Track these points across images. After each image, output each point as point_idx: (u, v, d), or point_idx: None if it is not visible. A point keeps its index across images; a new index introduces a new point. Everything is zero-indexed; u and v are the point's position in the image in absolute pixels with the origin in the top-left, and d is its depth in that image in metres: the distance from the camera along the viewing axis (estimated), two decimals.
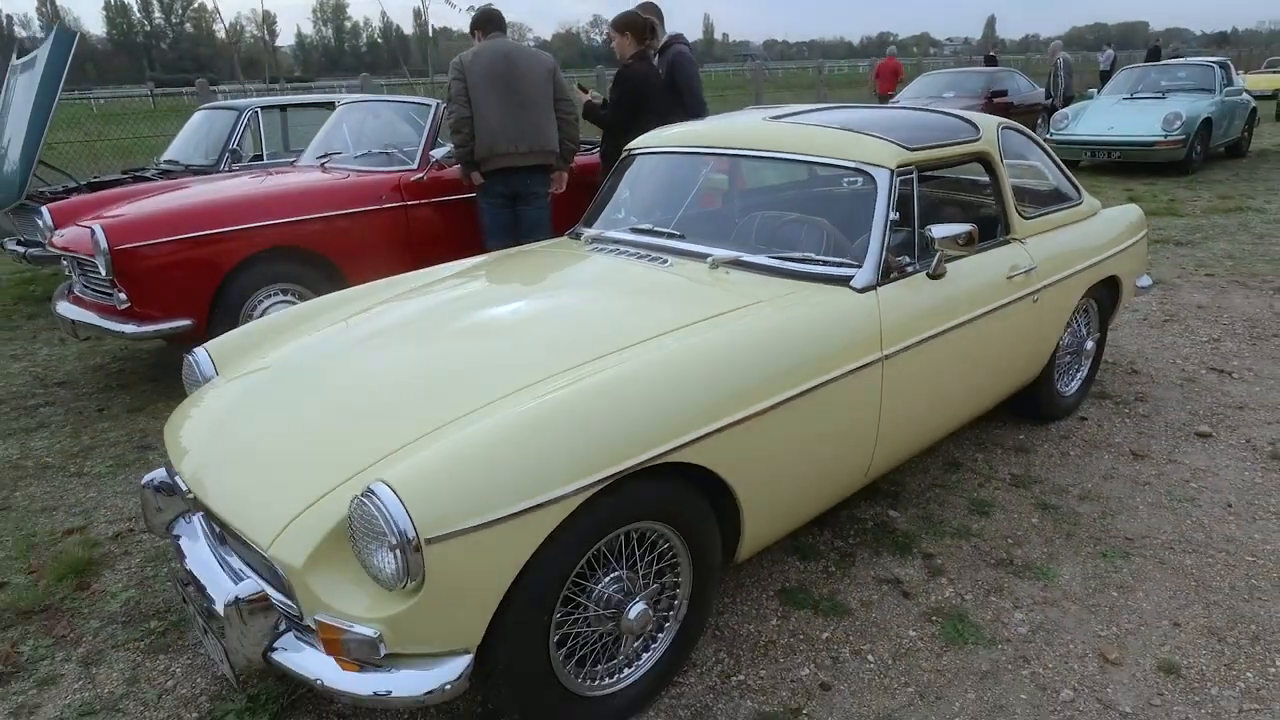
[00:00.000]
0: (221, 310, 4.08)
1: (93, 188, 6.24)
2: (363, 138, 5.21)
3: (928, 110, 3.39)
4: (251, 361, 2.39)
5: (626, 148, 3.34)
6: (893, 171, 2.50)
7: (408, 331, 2.39)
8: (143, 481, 2.25)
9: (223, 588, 1.92)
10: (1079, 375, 3.60)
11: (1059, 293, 3.09)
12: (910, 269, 2.52)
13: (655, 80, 4.79)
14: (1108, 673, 2.13)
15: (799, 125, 2.82)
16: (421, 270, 3.01)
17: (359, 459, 1.76)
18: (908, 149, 2.59)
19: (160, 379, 4.58)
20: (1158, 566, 2.55)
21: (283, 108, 7.22)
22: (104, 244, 3.76)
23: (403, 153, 4.85)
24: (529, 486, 1.64)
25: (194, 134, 7.18)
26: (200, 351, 2.49)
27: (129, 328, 3.92)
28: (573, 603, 1.84)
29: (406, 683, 1.62)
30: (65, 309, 4.31)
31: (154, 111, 19.58)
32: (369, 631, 1.60)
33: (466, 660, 1.65)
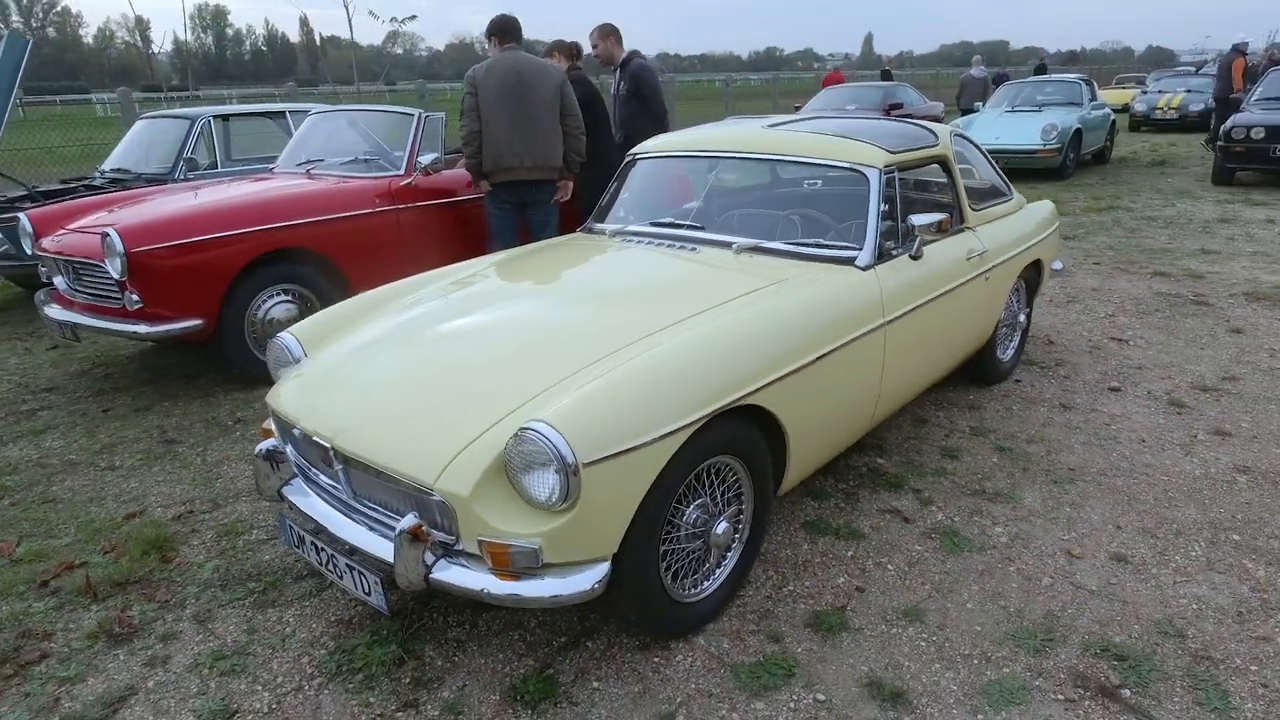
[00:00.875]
0: (230, 310, 4.22)
1: (44, 196, 6.14)
2: (341, 146, 5.38)
3: (894, 120, 3.91)
4: (350, 336, 2.65)
5: (630, 153, 3.72)
6: (881, 170, 2.99)
7: (499, 304, 2.71)
8: (256, 452, 2.48)
9: (355, 532, 2.22)
10: (1013, 344, 4.21)
11: (1002, 273, 3.67)
12: (895, 252, 3.01)
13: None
14: (1074, 564, 2.66)
15: (796, 133, 3.28)
16: (466, 262, 3.31)
17: (503, 405, 2.08)
18: (890, 152, 3.09)
19: (156, 380, 4.65)
20: (1097, 488, 3.13)
21: (226, 117, 7.22)
22: (119, 247, 3.86)
23: (387, 160, 5.07)
24: (654, 421, 2.02)
25: (139, 143, 7.10)
26: (288, 336, 2.72)
27: (141, 328, 4.02)
28: (670, 524, 2.22)
29: (565, 585, 1.96)
30: (57, 313, 4.34)
31: (23, 122, 18.37)
32: (532, 544, 1.93)
33: (606, 565, 2.00)
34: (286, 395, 2.48)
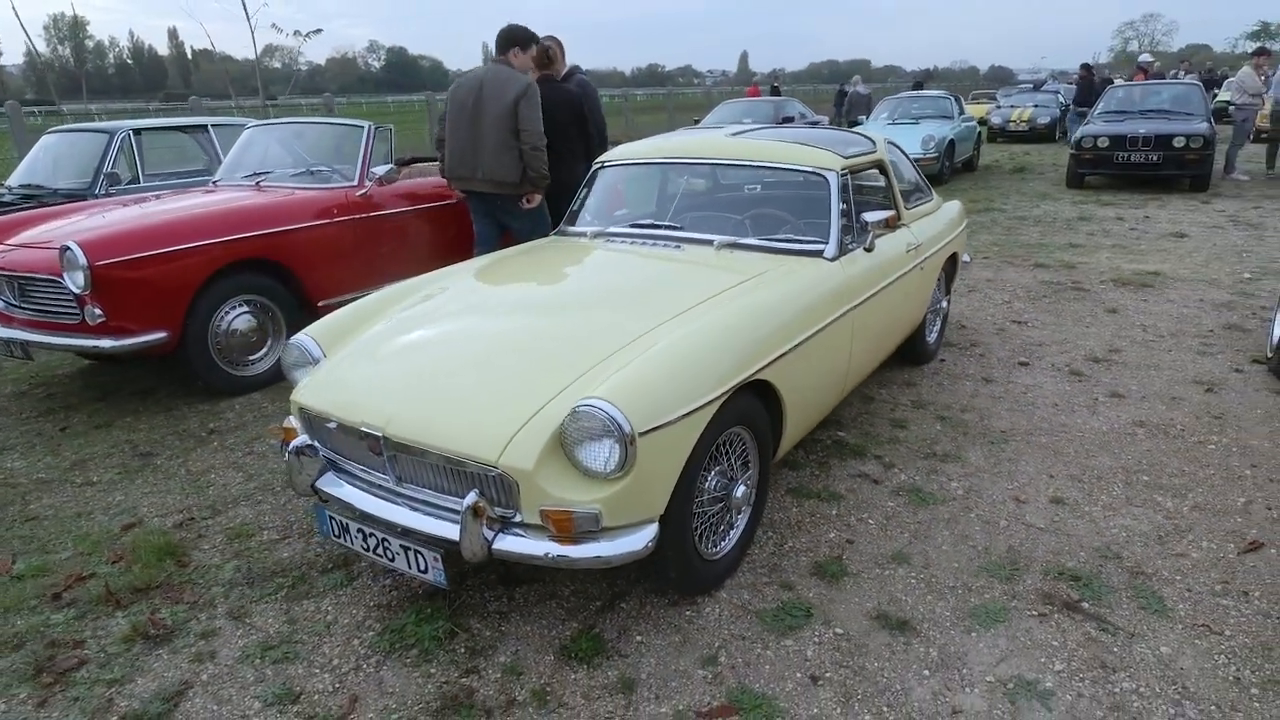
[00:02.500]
0: (194, 322, 4.12)
1: None
2: (287, 158, 5.30)
3: (835, 130, 4.25)
4: (368, 335, 2.72)
5: (598, 161, 3.89)
6: (838, 173, 3.30)
7: (515, 298, 2.84)
8: (290, 448, 2.51)
9: (403, 514, 2.31)
10: (936, 328, 4.63)
11: (932, 263, 4.07)
12: (851, 246, 3.31)
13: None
14: (1022, 508, 3.03)
15: (758, 140, 3.55)
16: (467, 263, 3.42)
17: (550, 386, 2.22)
18: (844, 157, 3.40)
19: (108, 397, 4.46)
20: (1027, 446, 3.53)
21: (138, 131, 6.89)
22: (82, 260, 3.71)
23: (336, 171, 5.03)
24: (690, 396, 2.21)
25: (50, 157, 6.71)
26: (304, 338, 2.75)
27: (104, 342, 3.88)
28: (698, 489, 2.42)
29: (621, 545, 2.12)
30: (2, 332, 4.11)
31: None
32: (593, 510, 2.09)
33: (655, 526, 2.18)
34: (320, 393, 2.52)
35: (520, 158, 4.38)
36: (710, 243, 3.20)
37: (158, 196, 4.96)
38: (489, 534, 2.14)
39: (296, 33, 18.23)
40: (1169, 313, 5.41)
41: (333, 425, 2.50)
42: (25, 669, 2.32)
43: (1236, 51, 62.78)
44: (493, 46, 4.63)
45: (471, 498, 2.12)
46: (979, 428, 3.73)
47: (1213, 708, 2.06)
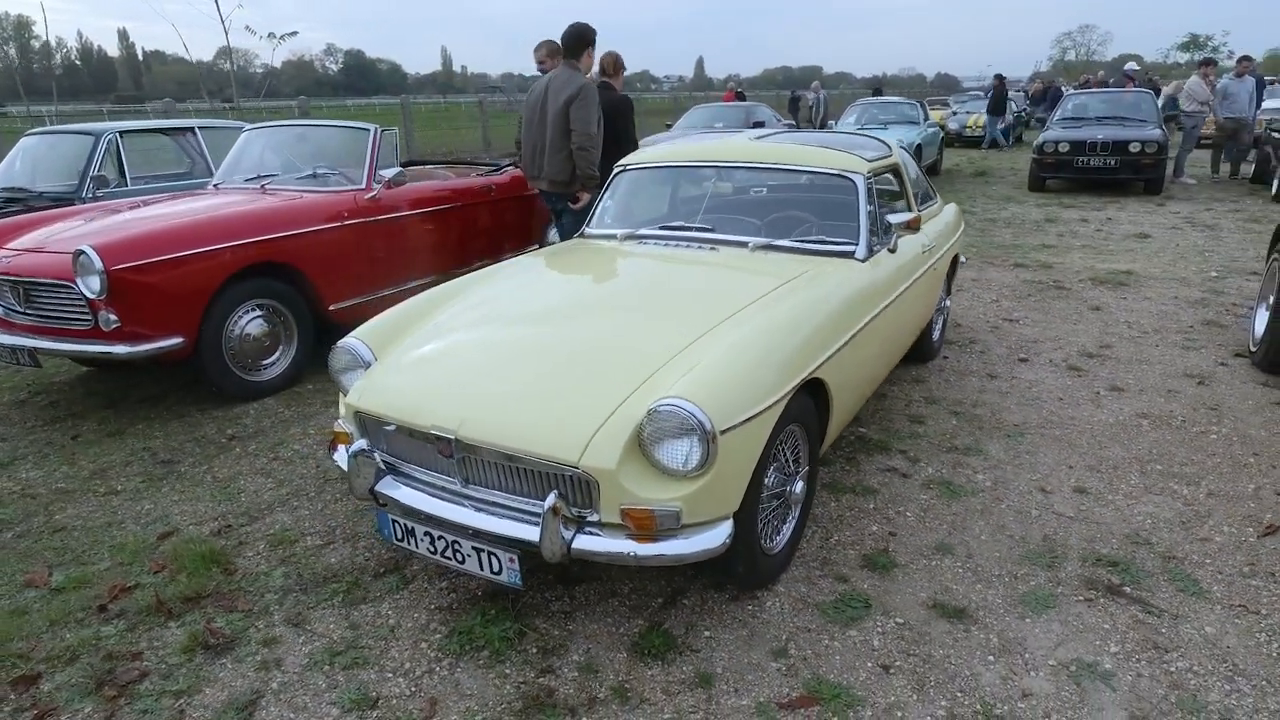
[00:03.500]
0: (208, 327, 4.01)
1: None
2: (290, 161, 5.19)
3: (853, 134, 4.31)
4: (420, 337, 2.67)
5: (618, 164, 3.89)
6: (865, 175, 3.34)
7: (567, 299, 2.83)
8: (350, 452, 2.46)
9: (473, 517, 2.28)
10: (939, 326, 4.72)
11: (941, 264, 4.15)
12: (878, 247, 3.37)
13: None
14: (1049, 498, 3.10)
15: (784, 144, 3.58)
16: (506, 263, 3.40)
17: (623, 386, 2.22)
18: (868, 160, 3.45)
19: (116, 405, 4.31)
20: (1042, 439, 3.63)
21: (122, 134, 6.67)
22: (99, 264, 3.59)
23: (341, 174, 4.94)
24: (761, 395, 2.23)
25: (33, 159, 6.49)
26: (354, 341, 2.70)
27: (119, 348, 3.75)
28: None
29: (700, 542, 2.12)
30: (8, 338, 3.95)
31: None
32: (674, 507, 2.09)
33: (730, 523, 2.19)
34: (380, 396, 2.48)
35: (570, 157, 4.64)
36: (744, 244, 3.22)
37: (145, 202, 4.80)
38: (567, 534, 2.13)
39: (270, 35, 17.68)
40: (1149, 310, 5.60)
41: (390, 428, 2.46)
42: (85, 683, 2.24)
43: (1168, 61, 65.13)
44: (515, 49, 5.02)
45: (552, 499, 2.11)
46: (993, 422, 3.81)
47: (1263, 682, 2.14)
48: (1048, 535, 2.85)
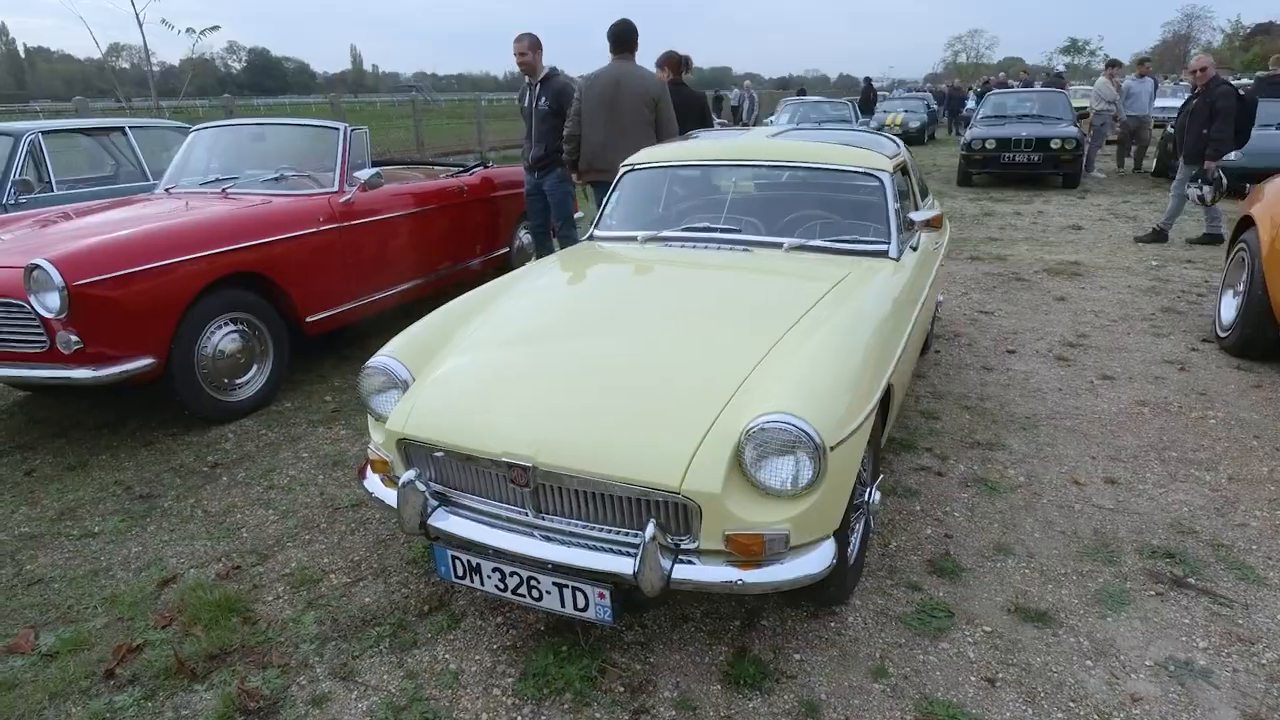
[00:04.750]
0: (179, 345, 3.60)
1: None
2: (249, 163, 4.75)
3: (867, 132, 4.21)
4: (462, 351, 2.42)
5: (625, 164, 3.68)
6: (890, 173, 3.25)
7: (614, 306, 2.60)
8: (401, 482, 2.19)
9: (550, 549, 2.06)
10: (931, 320, 4.71)
11: (940, 257, 4.11)
12: (905, 245, 3.27)
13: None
14: (1084, 490, 3.08)
15: (804, 142, 3.45)
16: (537, 266, 3.15)
17: (707, 403, 2.03)
18: (889, 157, 3.36)
19: (68, 432, 3.84)
20: (1056, 430, 3.62)
21: (45, 133, 6.02)
22: (58, 280, 3.15)
23: (309, 177, 4.55)
24: (859, 407, 2.09)
25: None
26: (388, 360, 2.41)
27: (82, 372, 3.30)
28: None
29: (808, 564, 1.97)
30: None
31: None
32: (783, 530, 1.92)
33: (832, 541, 2.04)
34: (431, 420, 2.21)
35: None
36: (778, 245, 3.08)
37: (90, 208, 4.30)
38: (666, 564, 1.94)
39: (190, 29, 16.47)
40: (1109, 299, 5.76)
41: (439, 454, 2.21)
42: None
43: (1050, 64, 68.87)
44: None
45: (651, 529, 1.91)
46: (1004, 415, 3.79)
47: None
48: (1097, 529, 2.82)
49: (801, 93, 19.26)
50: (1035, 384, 4.18)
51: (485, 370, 2.34)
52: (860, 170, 3.27)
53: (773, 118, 14.03)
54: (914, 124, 19.90)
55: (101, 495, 3.23)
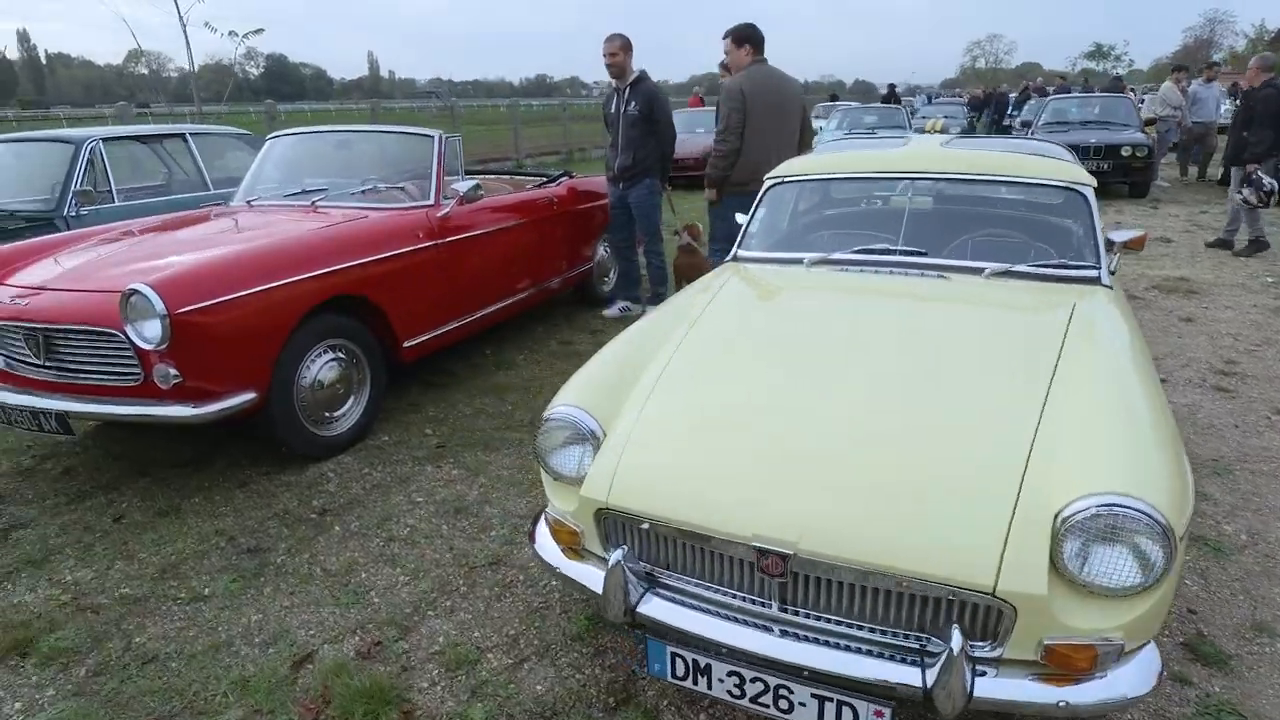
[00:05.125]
0: (280, 375, 3.26)
1: None
2: (337, 173, 4.42)
3: (1039, 140, 3.83)
4: (663, 399, 2.05)
5: (770, 176, 3.32)
6: (1094, 188, 2.87)
7: (834, 354, 2.20)
8: (611, 563, 1.83)
9: (799, 651, 1.69)
10: None
11: None
12: (1112, 269, 2.88)
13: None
14: None
15: (988, 152, 3.05)
16: (690, 294, 2.79)
17: (1001, 477, 1.67)
18: (1082, 169, 2.98)
19: (151, 471, 3.50)
20: (1252, 475, 3.22)
21: (110, 139, 5.69)
22: (160, 307, 2.81)
23: (402, 189, 4.22)
24: (1183, 473, 1.71)
25: None
26: (573, 410, 2.05)
27: (183, 410, 2.96)
28: None
29: (1137, 679, 1.59)
30: (30, 400, 3.11)
31: None
32: (1118, 638, 1.55)
33: (1154, 648, 1.66)
34: (648, 491, 1.85)
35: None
36: (978, 271, 2.70)
37: (165, 224, 3.98)
38: (969, 678, 1.57)
39: (232, 33, 16.18)
40: (1239, 319, 5.35)
41: (646, 526, 1.85)
42: None
43: (1076, 70, 68.07)
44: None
45: (958, 638, 1.54)
46: (1189, 456, 3.39)
47: None
48: None
49: (834, 98, 18.88)
50: (1205, 419, 3.78)
51: (704, 428, 1.97)
52: (1063, 184, 2.88)
53: (820, 123, 13.67)
54: (955, 130, 19.47)
55: (204, 548, 2.89)
